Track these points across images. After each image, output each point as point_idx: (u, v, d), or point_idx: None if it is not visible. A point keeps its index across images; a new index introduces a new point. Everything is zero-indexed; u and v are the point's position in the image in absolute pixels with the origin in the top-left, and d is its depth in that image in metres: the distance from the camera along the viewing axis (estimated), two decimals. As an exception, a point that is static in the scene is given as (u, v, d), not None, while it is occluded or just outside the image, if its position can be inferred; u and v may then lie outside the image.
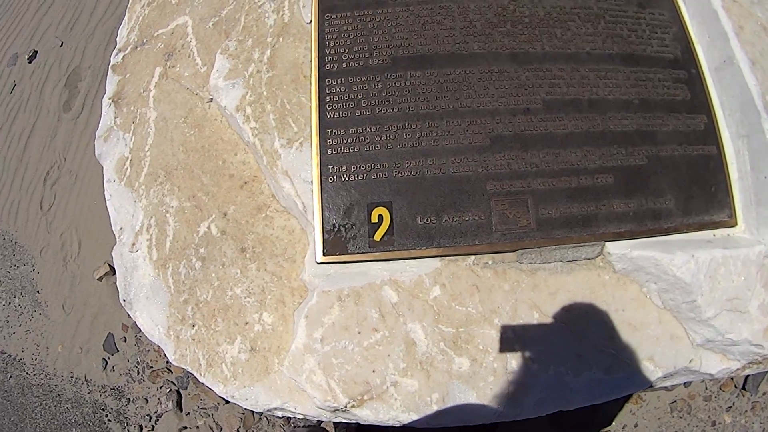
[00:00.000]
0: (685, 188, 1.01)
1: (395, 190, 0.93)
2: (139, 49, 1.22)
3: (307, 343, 0.90)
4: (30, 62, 2.24)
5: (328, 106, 0.97)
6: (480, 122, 0.96)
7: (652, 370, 0.97)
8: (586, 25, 1.06)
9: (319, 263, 0.93)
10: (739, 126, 1.06)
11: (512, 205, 0.93)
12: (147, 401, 1.55)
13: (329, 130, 0.96)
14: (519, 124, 0.97)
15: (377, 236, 0.91)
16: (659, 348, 0.97)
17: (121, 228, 1.10)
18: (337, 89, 0.98)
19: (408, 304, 0.91)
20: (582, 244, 0.96)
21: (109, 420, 1.56)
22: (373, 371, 0.89)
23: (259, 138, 0.99)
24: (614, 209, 0.97)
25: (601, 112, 1.00)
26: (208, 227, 1.02)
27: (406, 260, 0.93)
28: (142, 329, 1.04)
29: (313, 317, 0.90)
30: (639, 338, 0.97)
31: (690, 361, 0.99)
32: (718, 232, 1.04)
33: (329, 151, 0.95)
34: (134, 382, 1.55)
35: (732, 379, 1.50)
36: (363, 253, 0.91)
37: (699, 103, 1.07)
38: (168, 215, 1.05)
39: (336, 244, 0.92)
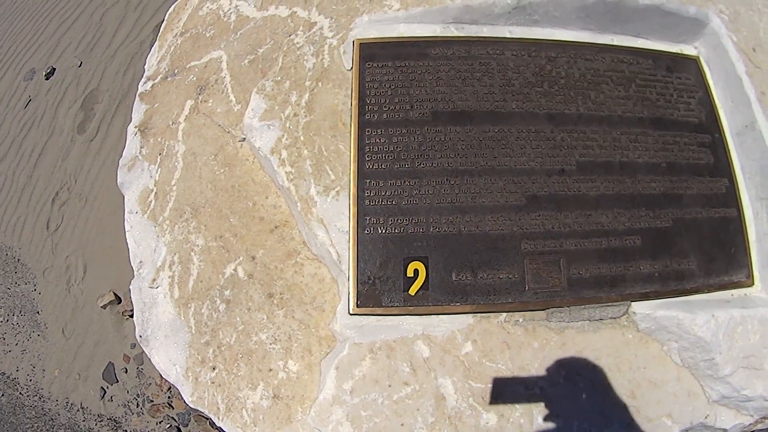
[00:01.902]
0: (706, 250, 1.07)
1: (432, 245, 0.95)
2: (169, 79, 1.23)
3: (336, 394, 0.91)
4: (47, 79, 2.22)
5: (367, 157, 0.99)
6: (517, 181, 1.00)
7: (669, 426, 1.01)
8: (618, 88, 1.12)
9: (351, 314, 0.94)
10: (759, 189, 1.13)
11: (545, 265, 0.97)
12: (145, 435, 1.53)
13: (368, 181, 0.98)
14: (554, 185, 1.01)
15: (412, 290, 0.94)
16: (677, 405, 1.02)
17: (140, 261, 1.10)
18: (377, 140, 1.01)
19: (440, 359, 0.93)
20: (609, 304, 1.00)
21: (103, 450, 1.53)
22: (402, 425, 0.91)
23: (294, 183, 1.01)
24: (641, 270, 1.02)
25: (631, 174, 1.06)
26: (235, 269, 1.03)
27: (439, 315, 0.95)
28: (157, 367, 1.04)
29: (344, 368, 0.92)
30: (659, 395, 1.01)
31: (706, 417, 1.04)
32: (736, 292, 1.10)
33: (367, 202, 0.97)
34: (133, 414, 1.53)
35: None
36: (397, 306, 0.94)
37: (721, 166, 1.13)
38: (192, 253, 1.05)
39: (370, 296, 0.94)
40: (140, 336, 1.05)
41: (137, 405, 1.55)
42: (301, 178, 1.02)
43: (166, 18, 1.36)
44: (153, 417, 1.52)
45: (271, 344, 0.99)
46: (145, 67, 1.31)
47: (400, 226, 0.96)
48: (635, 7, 1.15)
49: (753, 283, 1.10)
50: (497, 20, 1.14)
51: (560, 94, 1.08)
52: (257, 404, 0.97)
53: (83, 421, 1.56)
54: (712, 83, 1.20)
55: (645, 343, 1.03)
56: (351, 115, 1.03)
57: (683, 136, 1.12)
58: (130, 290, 1.08)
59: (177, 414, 1.51)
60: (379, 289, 0.94)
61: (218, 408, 0.99)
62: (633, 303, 1.02)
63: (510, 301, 0.95)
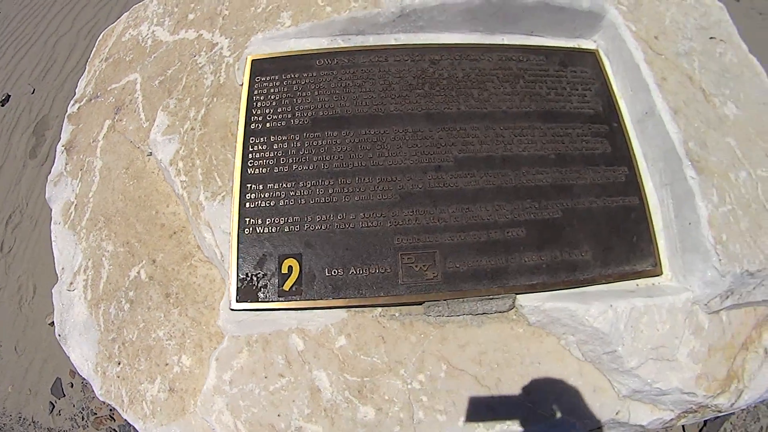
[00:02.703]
0: (603, 240, 1.16)
1: (306, 242, 1.12)
2: (93, 101, 1.48)
3: (217, 385, 1.07)
4: (2, 105, 2.61)
5: (250, 163, 1.18)
6: (391, 179, 1.15)
7: (573, 422, 1.09)
8: (504, 85, 1.26)
9: (232, 310, 1.11)
10: (662, 175, 1.22)
11: (419, 259, 1.10)
12: (90, 448, 1.72)
13: (249, 185, 1.16)
14: (429, 181, 1.15)
15: (286, 286, 1.09)
16: (581, 401, 1.10)
17: (62, 268, 1.32)
18: (260, 147, 1.19)
19: (314, 352, 1.07)
20: (491, 296, 1.11)
21: (53, 463, 1.75)
22: (279, 415, 1.05)
23: (187, 190, 1.21)
24: (526, 262, 1.13)
25: (515, 167, 1.18)
26: (138, 272, 1.22)
27: (314, 310, 1.10)
28: (73, 363, 1.24)
29: (223, 360, 1.08)
30: (558, 391, 1.10)
31: (617, 413, 1.11)
32: (642, 282, 1.18)
33: (248, 204, 1.15)
34: (79, 427, 1.74)
35: (683, 429, 1.56)
36: (273, 301, 1.09)
37: (620, 155, 1.24)
38: (104, 258, 1.26)
39: (248, 291, 1.10)
40: (59, 335, 1.26)
41: (82, 418, 1.77)
42: (193, 186, 1.21)
43: (96, 45, 1.62)
44: (97, 429, 1.72)
45: (167, 340, 1.17)
46: (76, 90, 1.57)
47: (276, 225, 1.13)
48: (523, 6, 1.30)
49: (662, 272, 1.17)
50: (383, 29, 1.32)
51: (441, 94, 1.24)
52: (155, 396, 1.14)
53: (34, 435, 1.79)
54: (611, 74, 1.32)
55: (538, 337, 1.13)
56: (238, 126, 1.23)
57: (576, 127, 1.24)
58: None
59: (118, 426, 1.71)
60: (256, 285, 1.10)
61: (122, 400, 1.17)
62: (519, 296, 1.12)
63: (382, 294, 1.09)
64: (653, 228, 1.20)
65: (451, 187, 1.16)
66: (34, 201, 2.27)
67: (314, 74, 1.26)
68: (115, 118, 1.41)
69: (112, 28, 1.62)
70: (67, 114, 1.50)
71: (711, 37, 1.38)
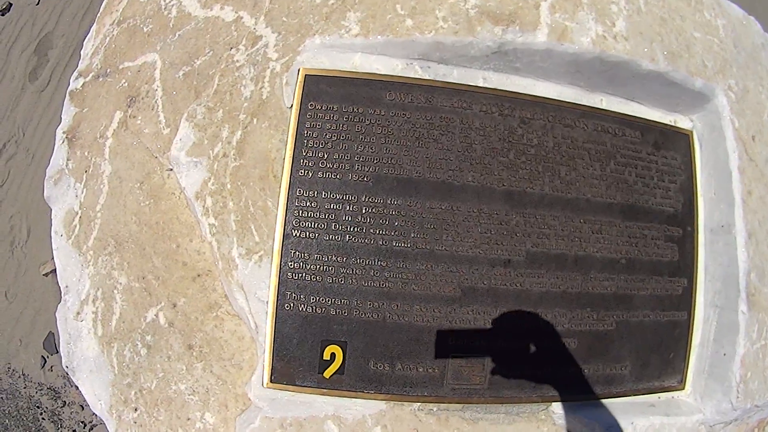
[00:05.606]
0: (643, 355, 0.96)
1: (353, 330, 0.84)
2: (101, 80, 1.02)
3: (246, 462, 0.86)
4: (2, 15, 1.87)
5: (296, 222, 0.84)
6: (455, 270, 0.85)
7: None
8: (595, 164, 0.93)
9: (265, 387, 0.86)
10: (716, 296, 1.00)
11: (469, 363, 0.87)
12: (83, 408, 1.47)
13: (293, 251, 0.84)
14: (496, 278, 0.87)
15: (327, 374, 0.84)
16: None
17: (66, 286, 0.99)
18: (308, 203, 0.84)
19: (348, 440, 0.87)
20: (529, 403, 0.92)
21: (43, 418, 1.53)
22: (306, 496, 0.87)
23: (216, 239, 0.87)
24: (569, 373, 0.92)
25: (584, 271, 0.91)
26: (156, 315, 0.93)
27: (352, 399, 0.88)
28: (85, 398, 0.99)
29: (253, 439, 0.86)
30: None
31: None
32: (663, 395, 1.02)
33: (290, 275, 0.83)
34: (71, 386, 1.48)
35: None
36: (310, 387, 0.84)
37: (684, 265, 0.99)
38: (115, 291, 0.94)
39: (284, 373, 0.84)
40: (67, 366, 0.98)
41: (75, 377, 1.53)
42: (225, 234, 0.87)
43: (106, -5, 1.10)
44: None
45: (189, 395, 0.92)
46: (81, 53, 1.08)
47: (321, 306, 0.84)
48: (635, 72, 0.92)
49: (684, 387, 1.01)
50: (471, 63, 0.91)
51: (526, 167, 0.89)
52: (175, 449, 0.93)
53: (24, 388, 1.54)
54: (699, 165, 1.01)
55: (560, 433, 0.98)
56: (283, 168, 0.85)
57: (653, 228, 0.96)
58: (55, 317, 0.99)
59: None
60: (293, 368, 0.84)
61: (139, 447, 0.95)
62: (553, 403, 0.94)
63: (426, 394, 0.86)
64: (691, 343, 1.00)
65: (517, 286, 0.88)
66: (32, 131, 1.70)
67: (383, 112, 0.86)
68: (128, 111, 0.98)
69: (127, -23, 1.08)
70: (68, 89, 1.04)
71: (799, 133, 1.08)
